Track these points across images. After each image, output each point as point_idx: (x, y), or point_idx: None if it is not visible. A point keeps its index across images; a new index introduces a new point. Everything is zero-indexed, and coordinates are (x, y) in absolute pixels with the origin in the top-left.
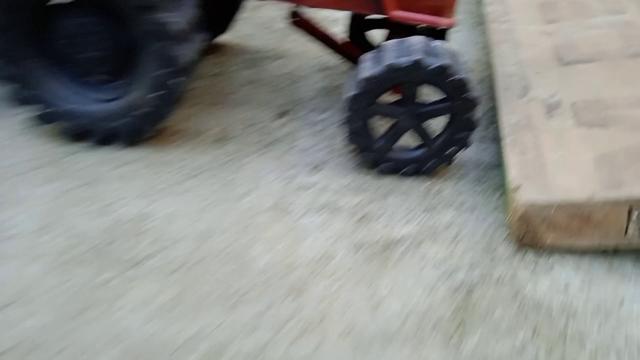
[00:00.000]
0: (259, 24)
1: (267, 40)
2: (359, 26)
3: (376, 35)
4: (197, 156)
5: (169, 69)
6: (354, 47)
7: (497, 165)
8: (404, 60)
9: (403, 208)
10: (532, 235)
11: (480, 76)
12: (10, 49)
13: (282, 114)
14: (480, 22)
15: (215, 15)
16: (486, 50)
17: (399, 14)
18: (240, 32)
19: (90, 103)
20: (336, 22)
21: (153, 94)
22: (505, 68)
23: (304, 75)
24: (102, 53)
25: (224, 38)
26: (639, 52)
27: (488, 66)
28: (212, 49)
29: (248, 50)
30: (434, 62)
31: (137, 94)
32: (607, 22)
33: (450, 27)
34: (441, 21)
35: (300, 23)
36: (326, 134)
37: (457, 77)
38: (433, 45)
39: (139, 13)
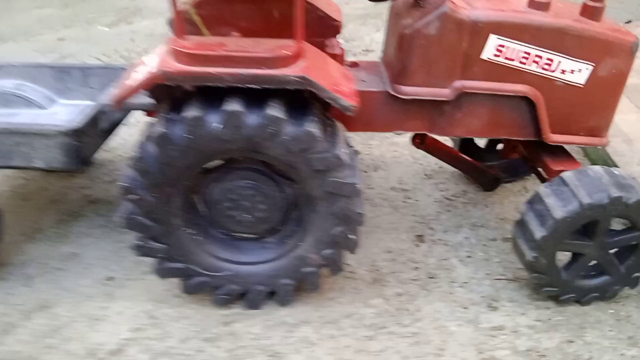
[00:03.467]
0: None
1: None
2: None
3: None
4: (361, 308)
5: (349, 225)
6: (483, 168)
7: None
8: (602, 197)
9: (606, 344)
10: None
11: None
12: (160, 222)
13: (419, 239)
14: None
15: None
16: None
17: (556, 138)
18: None
19: (242, 265)
20: None
21: (329, 251)
22: (632, 169)
23: (413, 187)
24: (262, 214)
25: None
26: None
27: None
28: None
29: None
30: (632, 197)
31: (303, 252)
32: None
33: (604, 146)
34: (597, 141)
35: (428, 145)
36: (476, 260)
37: None
38: (618, 175)
39: (319, 175)
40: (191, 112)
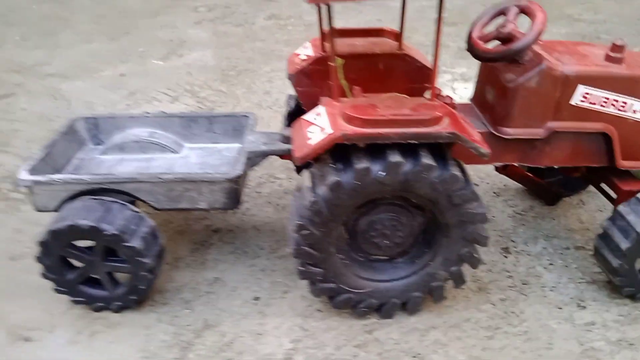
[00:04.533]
0: None
1: None
2: None
3: None
4: (475, 313)
5: (475, 246)
6: (547, 185)
7: None
8: None
9: None
10: None
11: None
12: (320, 251)
13: (505, 251)
14: None
15: None
16: None
17: (626, 164)
18: None
19: (380, 282)
20: None
21: (455, 268)
22: None
23: (487, 205)
24: (399, 239)
25: None
26: None
27: None
28: None
29: None
30: None
31: (433, 269)
32: None
33: None
34: None
35: (509, 170)
36: (557, 267)
37: None
38: None
39: (456, 207)
40: (360, 164)
